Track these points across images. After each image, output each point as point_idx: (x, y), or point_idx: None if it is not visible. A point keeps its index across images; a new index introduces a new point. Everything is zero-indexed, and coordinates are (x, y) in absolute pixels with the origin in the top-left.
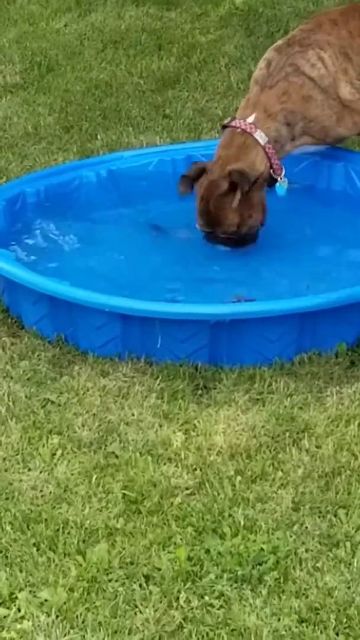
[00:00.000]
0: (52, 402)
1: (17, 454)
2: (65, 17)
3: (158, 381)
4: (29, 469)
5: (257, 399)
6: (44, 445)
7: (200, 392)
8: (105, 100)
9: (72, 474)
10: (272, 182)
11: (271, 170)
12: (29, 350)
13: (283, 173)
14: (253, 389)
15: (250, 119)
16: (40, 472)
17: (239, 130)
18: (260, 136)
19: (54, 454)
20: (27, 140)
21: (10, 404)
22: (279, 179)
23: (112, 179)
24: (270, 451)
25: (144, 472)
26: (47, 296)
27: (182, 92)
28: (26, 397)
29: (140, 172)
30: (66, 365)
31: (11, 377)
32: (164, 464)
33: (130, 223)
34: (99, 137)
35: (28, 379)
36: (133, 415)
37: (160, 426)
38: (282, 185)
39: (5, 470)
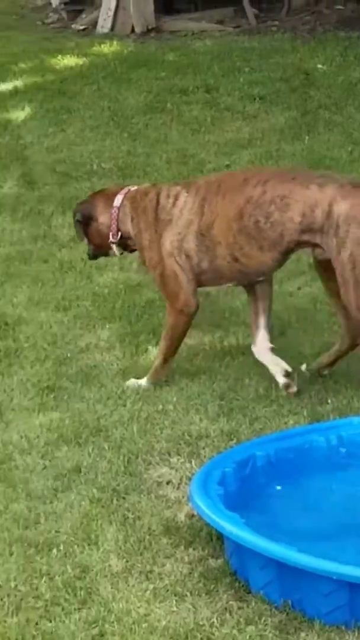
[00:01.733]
0: None
1: None
2: (299, 280)
3: None
4: None
5: None
6: None
7: None
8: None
9: None
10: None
11: (111, 234)
12: (256, 615)
13: (115, 239)
14: None
15: (133, 188)
16: None
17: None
18: (117, 200)
19: None
20: (258, 403)
21: None
22: (110, 239)
23: (342, 444)
24: None
25: None
26: (275, 561)
27: None
28: None
29: None
30: (292, 632)
31: None
32: None
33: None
34: (329, 400)
35: None
36: None
37: None
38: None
39: None
